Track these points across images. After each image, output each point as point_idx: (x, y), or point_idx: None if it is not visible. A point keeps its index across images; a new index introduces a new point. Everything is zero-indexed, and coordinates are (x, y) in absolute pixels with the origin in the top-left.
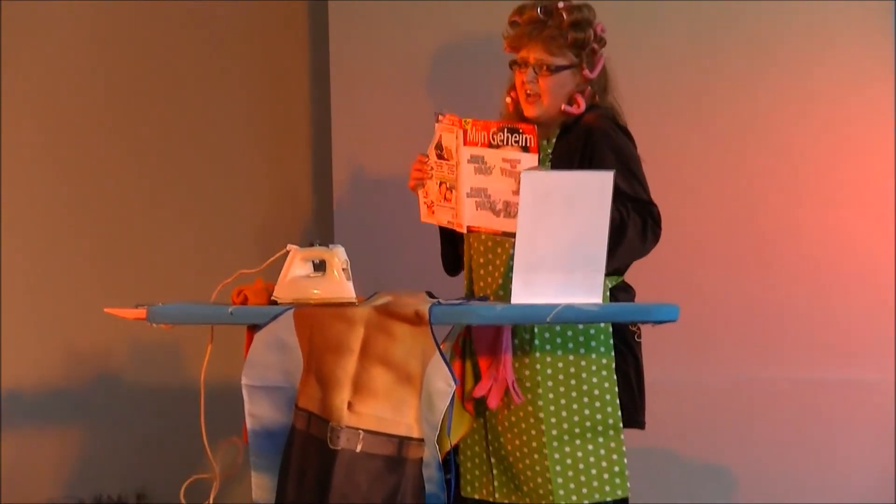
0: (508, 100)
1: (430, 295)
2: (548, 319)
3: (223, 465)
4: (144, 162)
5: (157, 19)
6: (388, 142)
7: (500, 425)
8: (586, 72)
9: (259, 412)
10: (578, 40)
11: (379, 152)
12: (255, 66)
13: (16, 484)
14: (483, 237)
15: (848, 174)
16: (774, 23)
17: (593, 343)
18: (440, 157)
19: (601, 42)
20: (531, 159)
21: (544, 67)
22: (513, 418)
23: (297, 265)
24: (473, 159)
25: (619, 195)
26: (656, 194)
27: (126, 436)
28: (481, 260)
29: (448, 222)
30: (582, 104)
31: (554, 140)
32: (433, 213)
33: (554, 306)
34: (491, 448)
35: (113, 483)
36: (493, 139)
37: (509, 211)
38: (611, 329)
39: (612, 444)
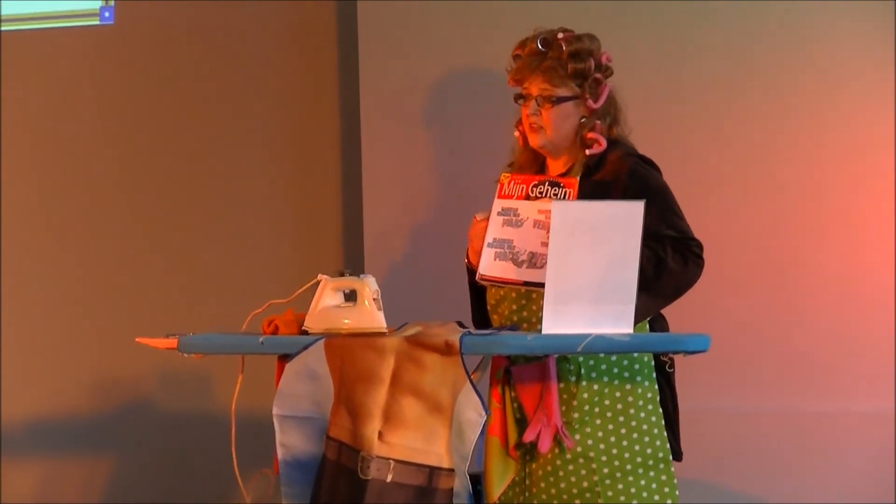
0: (517, 133)
1: (461, 325)
2: (578, 349)
3: (255, 494)
4: (176, 193)
5: (183, 42)
6: (420, 170)
7: (540, 469)
8: (590, 102)
9: (290, 442)
10: (578, 70)
11: (411, 180)
12: (284, 92)
13: None
14: (513, 295)
15: (847, 179)
16: (772, 22)
17: (638, 377)
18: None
19: (606, 71)
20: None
21: (546, 99)
22: (558, 461)
23: (327, 295)
24: (505, 212)
25: (661, 237)
26: None
27: (157, 464)
28: (514, 318)
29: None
30: (602, 142)
31: (578, 179)
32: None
33: (585, 336)
34: (527, 495)
35: None
36: (532, 192)
37: (534, 262)
38: (653, 361)
39: (664, 478)
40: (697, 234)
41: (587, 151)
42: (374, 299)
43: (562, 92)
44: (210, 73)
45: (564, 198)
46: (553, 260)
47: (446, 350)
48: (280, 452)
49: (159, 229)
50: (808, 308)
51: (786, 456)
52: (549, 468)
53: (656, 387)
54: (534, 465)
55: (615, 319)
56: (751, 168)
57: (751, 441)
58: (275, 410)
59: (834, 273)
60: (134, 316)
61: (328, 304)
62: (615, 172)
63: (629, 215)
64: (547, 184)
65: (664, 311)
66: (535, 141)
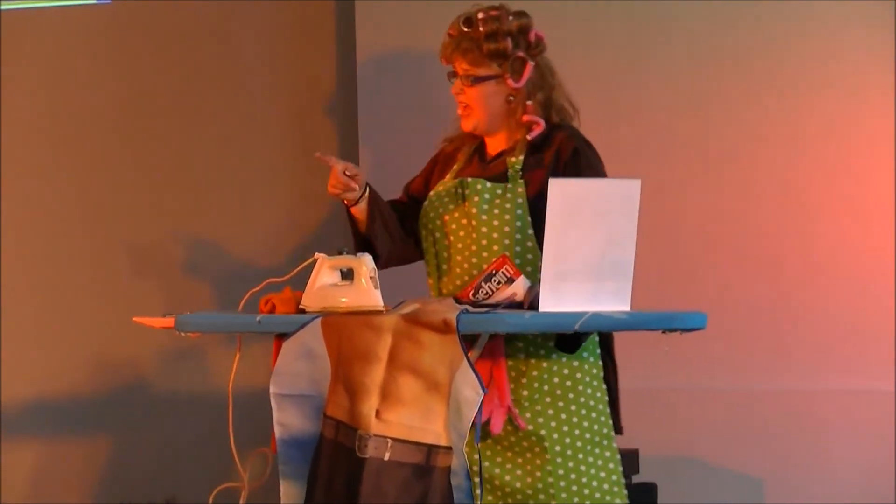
0: (459, 111)
1: (458, 302)
2: (576, 327)
3: (252, 473)
4: (171, 172)
5: (179, 20)
6: (414, 149)
7: (489, 450)
8: (510, 81)
9: (287, 421)
10: (493, 51)
11: (405, 159)
12: (280, 71)
13: (47, 492)
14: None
15: (848, 177)
16: (772, 23)
17: (584, 353)
18: None
19: (535, 49)
20: (521, 281)
21: (467, 79)
22: (511, 439)
23: (324, 274)
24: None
25: None
26: (676, 202)
27: (155, 443)
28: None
29: None
30: (540, 122)
31: (522, 157)
32: None
33: (582, 314)
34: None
35: (142, 490)
36: (477, 295)
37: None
38: (597, 337)
39: (608, 454)
40: (700, 218)
41: (528, 136)
42: (370, 277)
43: (481, 72)
44: (201, 41)
45: (508, 276)
46: (550, 238)
47: (444, 328)
48: (277, 431)
49: (155, 209)
50: (808, 287)
51: (786, 435)
52: (499, 447)
53: (601, 363)
54: (483, 445)
55: (612, 297)
56: (751, 166)
57: (750, 421)
58: (272, 389)
59: (834, 252)
60: (131, 296)
61: (325, 283)
62: (561, 150)
63: (626, 193)
64: (482, 282)
65: (636, 292)
66: (466, 125)
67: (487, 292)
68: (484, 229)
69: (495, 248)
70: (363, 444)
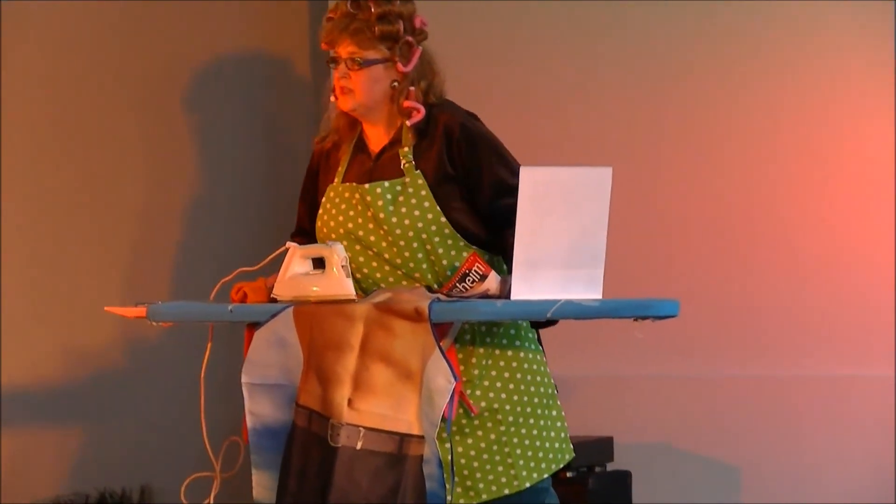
0: (333, 98)
1: (430, 290)
2: (548, 315)
3: (224, 463)
4: (143, 159)
5: (179, 20)
6: None
7: (443, 432)
8: (400, 66)
9: (259, 410)
10: (385, 32)
11: None
12: (255, 61)
13: (20, 481)
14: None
15: (848, 172)
16: (773, 22)
17: (527, 343)
18: None
19: (419, 35)
20: (493, 276)
21: (355, 61)
22: (463, 420)
23: (296, 263)
24: None
25: (511, 190)
26: (649, 189)
27: (130, 432)
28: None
29: None
30: (421, 109)
31: (412, 146)
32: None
33: (554, 302)
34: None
35: (117, 479)
36: (451, 295)
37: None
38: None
39: (554, 413)
40: (703, 206)
41: (408, 122)
42: (342, 266)
43: (370, 55)
44: (179, 35)
45: (481, 273)
46: (521, 226)
47: (416, 317)
48: (249, 420)
49: (127, 197)
50: (808, 272)
51: (762, 423)
52: (454, 428)
53: (540, 347)
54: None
55: (584, 285)
56: (729, 153)
57: (725, 408)
58: (244, 378)
59: (832, 234)
60: (102, 285)
61: (297, 272)
62: (448, 129)
63: (597, 180)
64: (457, 283)
65: (625, 281)
66: (345, 104)
67: (462, 291)
68: (398, 231)
69: (415, 244)
70: (335, 434)
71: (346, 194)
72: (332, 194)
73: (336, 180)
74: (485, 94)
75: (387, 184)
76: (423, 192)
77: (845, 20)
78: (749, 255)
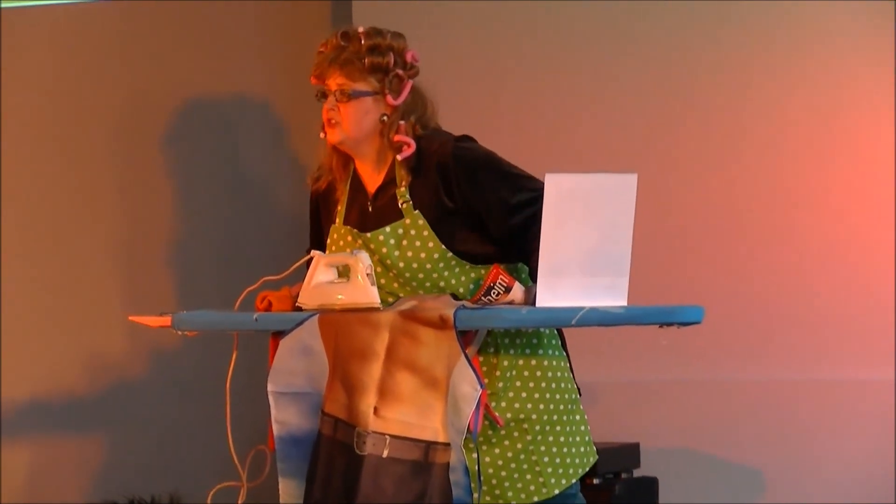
0: (322, 134)
1: (455, 297)
2: (573, 322)
3: (250, 471)
4: (167, 168)
5: (178, 20)
6: None
7: (470, 442)
8: (390, 98)
9: (285, 418)
10: (376, 64)
11: None
12: (275, 65)
13: (48, 488)
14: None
15: (848, 172)
16: (774, 22)
17: (550, 350)
18: None
19: (411, 70)
20: (517, 287)
21: (343, 93)
22: (490, 431)
23: (321, 271)
24: None
25: (524, 205)
26: (650, 191)
27: (159, 439)
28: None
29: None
30: (412, 143)
31: (407, 184)
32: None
33: (579, 309)
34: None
35: (144, 487)
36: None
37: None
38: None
39: (577, 417)
40: (703, 205)
41: (399, 157)
42: (367, 275)
43: (359, 86)
44: (205, 58)
45: (506, 285)
46: (546, 233)
47: (441, 324)
48: (276, 429)
49: (152, 206)
50: (809, 276)
51: (786, 427)
52: (480, 438)
53: (564, 353)
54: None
55: (609, 292)
56: (743, 160)
57: (750, 412)
58: (270, 387)
59: (834, 239)
60: (127, 294)
61: (321, 280)
62: (441, 163)
63: (622, 187)
64: (482, 296)
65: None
66: (333, 137)
67: (487, 304)
68: (407, 274)
69: (427, 283)
70: (361, 441)
71: (349, 238)
72: (335, 236)
73: (338, 220)
74: (498, 101)
75: (388, 229)
76: (426, 232)
77: (845, 20)
78: (766, 260)
